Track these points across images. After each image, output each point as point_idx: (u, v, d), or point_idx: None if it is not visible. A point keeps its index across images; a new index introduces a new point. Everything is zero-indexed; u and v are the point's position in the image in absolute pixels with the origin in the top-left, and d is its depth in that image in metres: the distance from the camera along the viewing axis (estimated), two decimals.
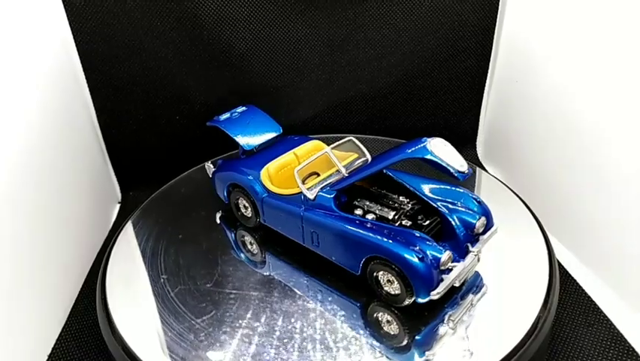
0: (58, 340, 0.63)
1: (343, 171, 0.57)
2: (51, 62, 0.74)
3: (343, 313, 0.54)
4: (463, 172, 0.49)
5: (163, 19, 0.81)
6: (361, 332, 0.51)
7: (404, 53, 0.90)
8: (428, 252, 0.49)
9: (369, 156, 0.60)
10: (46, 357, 0.61)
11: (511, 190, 0.72)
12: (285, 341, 0.51)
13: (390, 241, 0.50)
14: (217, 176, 0.69)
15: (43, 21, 0.73)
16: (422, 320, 0.52)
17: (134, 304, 0.57)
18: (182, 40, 0.83)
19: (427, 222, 0.54)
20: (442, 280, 0.50)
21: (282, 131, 0.71)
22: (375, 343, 0.50)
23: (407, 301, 0.51)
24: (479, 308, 0.54)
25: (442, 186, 0.57)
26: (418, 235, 0.51)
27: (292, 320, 0.53)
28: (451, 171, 0.49)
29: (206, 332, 0.52)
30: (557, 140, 0.75)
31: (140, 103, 0.88)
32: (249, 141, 0.68)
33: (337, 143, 0.60)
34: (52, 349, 0.62)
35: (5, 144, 0.58)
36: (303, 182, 0.59)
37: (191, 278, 0.59)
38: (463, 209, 0.55)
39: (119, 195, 0.94)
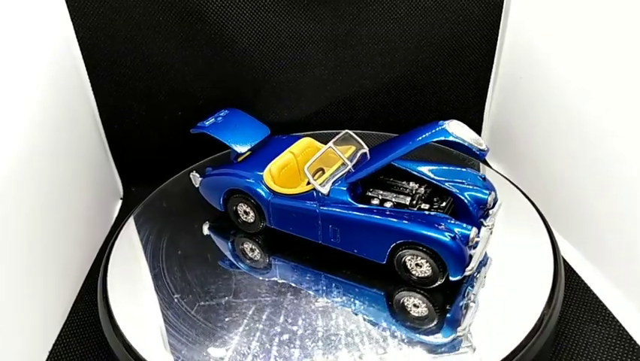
0: (59, 336, 0.63)
1: (349, 164, 0.58)
2: (53, 57, 0.73)
3: (367, 304, 0.54)
4: (484, 150, 0.52)
5: (165, 14, 0.81)
6: (390, 319, 0.52)
7: (408, 49, 0.90)
8: (456, 230, 0.51)
9: (366, 148, 0.60)
10: (47, 354, 0.60)
11: (516, 186, 0.72)
12: (294, 337, 0.50)
13: (421, 225, 0.51)
14: (208, 184, 0.66)
15: (45, 16, 0.73)
16: (445, 299, 0.54)
17: (135, 301, 0.57)
18: (185, 35, 0.83)
19: (444, 203, 0.55)
20: (471, 256, 0.52)
21: (270, 131, 0.69)
22: (406, 327, 0.51)
23: (438, 282, 0.53)
24: (483, 306, 0.53)
25: (446, 168, 0.59)
26: (443, 216, 0.53)
27: (311, 317, 0.53)
28: (473, 149, 0.51)
29: (208, 329, 0.52)
30: (562, 136, 0.75)
31: (142, 99, 0.87)
32: (240, 144, 0.66)
33: (336, 137, 0.60)
34: (53, 345, 0.61)
35: (7, 140, 0.58)
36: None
37: (194, 274, 0.59)
38: (472, 186, 0.57)
39: (121, 191, 0.94)
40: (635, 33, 0.60)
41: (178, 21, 0.81)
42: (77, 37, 0.80)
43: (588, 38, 0.69)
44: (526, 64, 0.84)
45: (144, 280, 0.59)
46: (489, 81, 0.94)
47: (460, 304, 0.53)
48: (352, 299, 0.55)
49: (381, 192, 0.57)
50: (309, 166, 0.57)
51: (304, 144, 0.66)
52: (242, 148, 0.66)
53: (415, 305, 0.53)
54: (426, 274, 0.53)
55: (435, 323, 0.52)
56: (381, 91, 0.93)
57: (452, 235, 0.50)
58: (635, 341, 0.59)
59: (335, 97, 0.93)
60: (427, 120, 0.66)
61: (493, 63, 0.92)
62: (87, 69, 0.83)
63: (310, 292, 0.56)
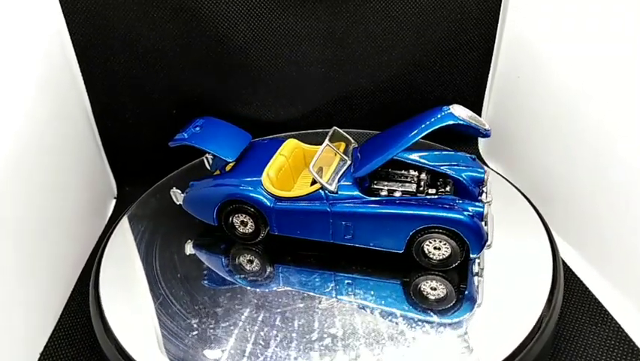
0: (50, 338, 0.62)
1: (348, 160, 0.58)
2: (45, 54, 0.72)
3: (385, 296, 0.54)
4: (488, 130, 0.54)
5: (159, 11, 0.80)
6: (412, 306, 0.53)
7: (405, 47, 0.89)
8: (471, 209, 0.53)
9: (355, 143, 0.62)
10: (39, 356, 0.59)
11: (514, 186, 0.71)
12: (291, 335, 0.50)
13: (440, 209, 0.53)
14: (196, 199, 0.62)
15: (37, 13, 0.71)
16: (458, 278, 0.56)
17: (128, 302, 0.56)
18: (179, 32, 0.82)
19: (448, 187, 0.57)
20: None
21: (251, 137, 0.67)
22: (429, 311, 0.52)
23: (458, 262, 0.55)
24: (482, 307, 0.53)
25: (437, 153, 0.60)
26: (454, 198, 0.55)
27: (326, 318, 0.52)
28: (480, 130, 0.54)
29: (201, 331, 0.51)
30: (561, 135, 0.74)
31: (136, 96, 0.86)
32: (228, 152, 0.63)
33: (329, 135, 0.61)
34: (45, 347, 0.60)
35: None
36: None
37: (187, 275, 0.58)
38: (466, 167, 0.58)
39: (115, 190, 0.93)
40: (634, 32, 0.60)
41: (172, 18, 0.80)
42: (70, 33, 0.79)
43: (587, 37, 0.68)
44: (524, 63, 0.83)
45: (137, 281, 0.58)
46: (486, 80, 0.94)
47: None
48: (371, 294, 0.55)
49: (385, 183, 0.57)
50: (313, 165, 0.57)
51: (292, 146, 0.65)
52: (230, 156, 0.63)
53: (432, 288, 0.55)
54: (444, 256, 0.55)
55: (453, 302, 0.53)
56: (378, 90, 0.93)
57: (471, 215, 0.53)
58: (634, 343, 0.58)
59: (332, 95, 0.92)
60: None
61: (490, 62, 0.92)
62: (80, 67, 0.82)
63: (312, 293, 0.55)
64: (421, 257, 0.56)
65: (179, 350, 0.49)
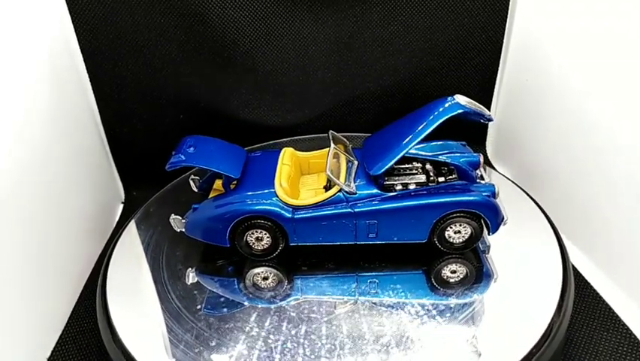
0: (58, 343, 0.62)
1: (355, 160, 0.59)
2: (53, 60, 0.72)
3: (408, 288, 0.55)
4: (491, 115, 0.57)
5: (166, 17, 0.80)
6: (436, 292, 0.55)
7: (412, 51, 0.89)
8: (485, 190, 0.56)
9: (350, 144, 0.63)
10: (46, 360, 0.59)
11: (523, 190, 0.71)
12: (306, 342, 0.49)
13: (462, 194, 0.55)
14: (203, 223, 0.58)
15: (45, 19, 0.72)
16: (471, 258, 0.59)
17: (135, 307, 0.56)
18: (186, 37, 0.82)
19: (454, 174, 0.58)
20: None
21: (245, 150, 0.66)
22: (454, 293, 0.54)
23: (477, 242, 0.58)
24: (491, 312, 0.52)
25: (433, 144, 0.61)
26: (465, 182, 0.57)
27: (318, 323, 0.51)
28: (486, 116, 0.56)
29: (209, 337, 0.51)
30: (570, 139, 0.74)
31: (143, 102, 0.87)
32: (231, 169, 0.60)
33: (331, 139, 0.62)
34: (52, 352, 0.61)
35: (8, 145, 0.57)
36: (328, 183, 0.59)
37: (195, 280, 0.58)
38: (461, 153, 0.60)
39: (123, 194, 0.93)
40: None
41: (179, 23, 0.81)
42: (78, 39, 0.79)
43: (596, 40, 0.67)
44: (533, 66, 0.83)
45: (144, 286, 0.58)
46: (495, 84, 0.93)
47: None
48: (400, 288, 0.55)
49: (396, 178, 0.58)
50: (329, 169, 0.57)
51: (289, 154, 0.64)
52: (235, 173, 0.60)
53: (452, 271, 0.58)
54: (465, 238, 0.58)
55: (474, 279, 0.56)
56: (385, 94, 0.92)
57: (488, 194, 0.56)
58: None
59: (338, 100, 0.92)
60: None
61: (498, 65, 0.91)
62: (88, 72, 0.82)
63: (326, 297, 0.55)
64: (443, 243, 0.58)
65: (185, 356, 0.49)
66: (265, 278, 0.58)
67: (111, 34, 0.80)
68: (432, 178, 0.57)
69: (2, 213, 0.54)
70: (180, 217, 0.60)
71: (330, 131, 0.64)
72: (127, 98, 0.86)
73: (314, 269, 0.59)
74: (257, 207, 0.56)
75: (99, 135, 0.87)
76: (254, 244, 0.58)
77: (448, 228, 0.57)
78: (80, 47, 0.80)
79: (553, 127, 0.78)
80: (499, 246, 0.61)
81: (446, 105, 0.54)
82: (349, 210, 0.56)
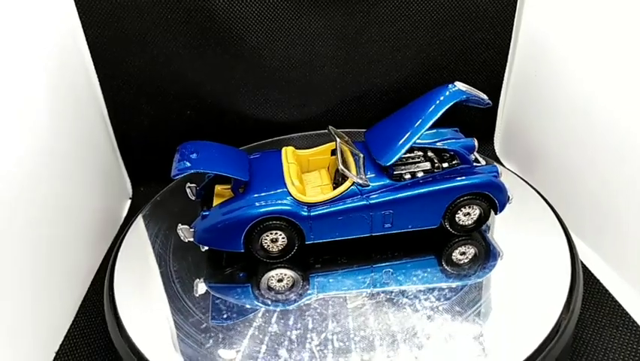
0: (66, 337, 0.62)
1: (360, 153, 0.59)
2: (60, 56, 0.73)
3: (424, 276, 0.56)
4: (488, 100, 0.58)
5: (173, 12, 0.80)
6: (448, 276, 0.56)
7: (420, 46, 0.88)
8: (490, 172, 0.58)
9: (347, 138, 0.64)
10: (54, 354, 0.60)
11: (531, 186, 0.70)
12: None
13: (471, 177, 0.57)
14: (217, 229, 0.56)
15: (52, 14, 0.72)
16: (478, 238, 0.61)
17: (142, 302, 0.56)
18: (193, 33, 0.82)
19: (456, 160, 0.59)
20: None
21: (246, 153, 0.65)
22: (467, 275, 0.56)
23: (486, 222, 0.60)
24: (499, 310, 0.52)
25: (428, 132, 0.60)
26: (468, 166, 0.59)
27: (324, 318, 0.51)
28: (484, 100, 0.57)
29: (216, 331, 0.51)
30: (578, 134, 0.73)
31: (150, 97, 0.87)
32: (240, 172, 0.58)
33: (333, 134, 0.62)
34: (60, 346, 0.61)
35: (15, 141, 0.57)
36: (337, 178, 0.59)
37: (202, 275, 0.58)
38: (456, 139, 0.62)
39: (130, 190, 0.94)
40: None
41: (186, 19, 0.81)
42: (86, 36, 0.79)
43: (604, 34, 0.67)
44: (541, 61, 0.82)
45: (152, 281, 0.58)
46: (502, 79, 0.93)
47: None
48: (417, 275, 0.56)
49: (402, 167, 0.58)
50: (342, 164, 0.57)
51: (290, 153, 0.64)
52: (245, 176, 0.58)
53: (462, 253, 0.59)
54: (474, 219, 0.60)
55: (480, 257, 0.58)
56: (392, 89, 0.92)
57: (494, 175, 0.58)
58: None
59: (345, 95, 0.92)
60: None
61: (506, 60, 0.91)
62: (95, 68, 0.82)
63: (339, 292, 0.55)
64: (454, 226, 0.59)
65: (193, 351, 0.49)
66: (280, 280, 0.57)
67: (118, 30, 0.80)
68: (436, 165, 0.58)
69: (11, 210, 0.54)
70: (188, 226, 0.58)
71: (330, 126, 0.64)
72: (134, 94, 0.86)
73: (328, 266, 0.58)
74: (273, 208, 0.55)
75: (106, 131, 0.87)
76: (269, 246, 0.57)
77: (459, 211, 0.58)
78: (88, 43, 0.80)
79: (561, 122, 0.77)
80: (507, 242, 0.61)
81: (447, 93, 0.56)
82: (365, 202, 0.56)
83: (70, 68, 0.76)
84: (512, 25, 0.87)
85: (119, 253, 0.63)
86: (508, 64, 0.91)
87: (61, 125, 0.69)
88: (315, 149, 0.66)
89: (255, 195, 0.56)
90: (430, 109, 0.56)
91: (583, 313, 0.61)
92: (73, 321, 0.65)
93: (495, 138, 0.99)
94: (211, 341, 0.50)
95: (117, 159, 0.91)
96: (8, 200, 0.54)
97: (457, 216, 0.59)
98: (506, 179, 0.60)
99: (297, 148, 0.66)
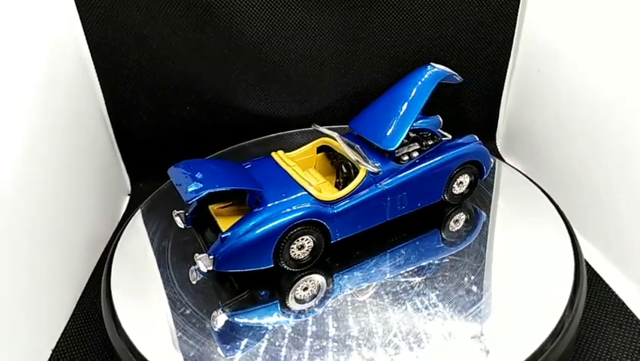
0: (63, 334, 0.62)
1: (356, 145, 0.60)
2: (59, 50, 0.72)
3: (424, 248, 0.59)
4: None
5: (172, 6, 0.79)
6: (448, 244, 0.60)
7: (421, 41, 0.87)
8: (472, 141, 0.62)
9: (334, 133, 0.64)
10: (51, 352, 0.59)
11: (535, 183, 0.69)
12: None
13: (461, 148, 0.61)
14: (247, 247, 0.51)
15: (51, 9, 0.71)
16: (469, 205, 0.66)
17: (139, 299, 0.55)
18: (193, 27, 0.81)
19: (435, 138, 0.63)
20: None
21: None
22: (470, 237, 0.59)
23: (475, 187, 0.64)
24: (501, 308, 0.51)
25: None
26: (450, 139, 0.63)
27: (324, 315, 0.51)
28: (458, 78, 0.62)
29: (213, 329, 0.50)
30: (582, 131, 0.72)
31: (149, 93, 0.86)
32: (252, 183, 0.56)
33: (327, 132, 0.63)
34: (57, 343, 0.60)
35: (14, 136, 0.57)
36: (341, 172, 0.61)
37: (213, 304, 0.55)
38: (424, 119, 0.65)
39: (129, 186, 0.93)
40: None
41: (186, 13, 0.80)
42: (84, 30, 0.79)
43: (607, 30, 0.66)
44: (544, 57, 0.81)
45: (149, 278, 0.58)
46: (505, 75, 0.92)
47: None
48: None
49: (398, 149, 0.60)
50: (354, 156, 0.57)
51: (283, 156, 0.62)
52: (258, 186, 0.55)
53: (455, 221, 0.63)
54: (466, 186, 0.64)
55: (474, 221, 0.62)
56: (393, 85, 0.91)
57: (480, 143, 0.62)
58: None
59: (347, 91, 0.91)
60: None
61: (509, 56, 0.90)
62: (94, 63, 0.82)
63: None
64: (452, 197, 0.63)
65: (190, 348, 0.48)
66: (305, 288, 0.55)
67: (117, 24, 0.79)
68: (424, 143, 0.61)
69: (10, 206, 0.54)
70: (206, 255, 0.52)
71: (314, 124, 0.65)
72: (133, 89, 0.85)
73: (345, 263, 0.57)
74: (302, 213, 0.52)
75: (105, 127, 0.87)
76: (296, 254, 0.55)
77: (454, 182, 0.62)
78: (86, 38, 0.79)
79: (564, 119, 0.77)
80: (510, 239, 0.60)
81: (429, 73, 0.60)
82: (381, 189, 0.57)
83: (69, 63, 0.75)
84: (515, 20, 0.86)
85: (117, 250, 0.62)
86: (510, 60, 0.90)
87: (59, 121, 0.68)
88: (300, 150, 0.65)
89: (277, 203, 0.53)
90: (419, 90, 0.59)
91: (586, 312, 0.60)
92: (70, 318, 0.64)
93: (497, 135, 0.98)
94: (209, 338, 0.49)
95: (116, 155, 0.90)
96: (5, 197, 0.53)
97: (452, 187, 0.62)
98: (509, 176, 0.59)
99: (295, 145, 0.65)
